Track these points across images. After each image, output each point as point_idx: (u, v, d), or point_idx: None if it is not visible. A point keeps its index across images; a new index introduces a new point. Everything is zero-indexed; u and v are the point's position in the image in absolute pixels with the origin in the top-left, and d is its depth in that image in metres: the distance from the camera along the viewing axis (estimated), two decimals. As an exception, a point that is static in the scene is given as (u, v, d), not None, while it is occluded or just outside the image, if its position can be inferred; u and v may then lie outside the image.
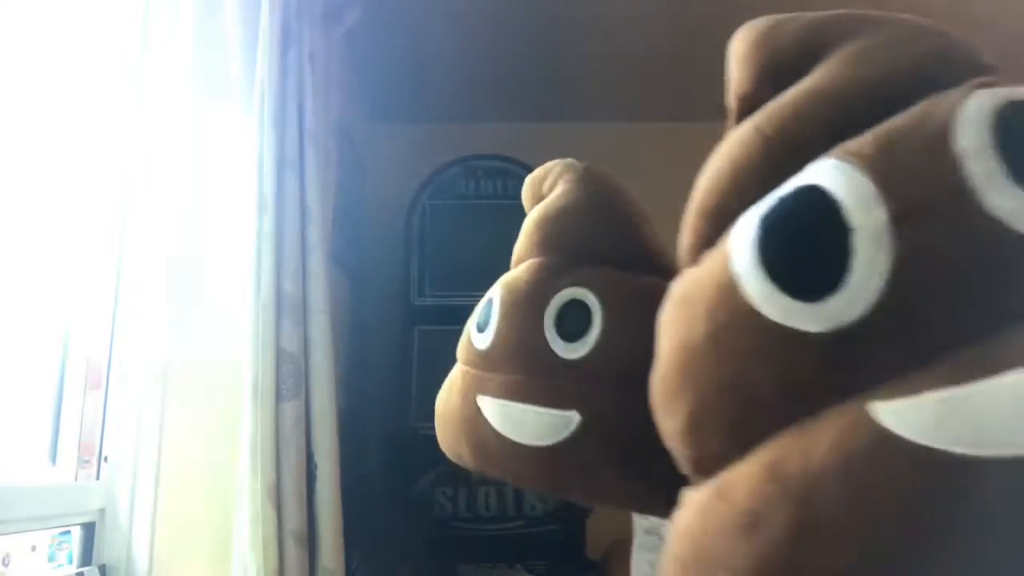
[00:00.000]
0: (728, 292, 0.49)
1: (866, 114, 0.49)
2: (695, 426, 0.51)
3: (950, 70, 0.50)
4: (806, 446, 0.43)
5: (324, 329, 1.27)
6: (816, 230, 0.46)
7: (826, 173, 0.47)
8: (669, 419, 0.54)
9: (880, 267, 0.43)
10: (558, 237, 0.84)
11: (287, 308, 1.21)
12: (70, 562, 1.15)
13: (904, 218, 0.43)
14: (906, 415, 0.40)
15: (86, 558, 1.16)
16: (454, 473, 1.86)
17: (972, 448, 0.38)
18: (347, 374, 1.96)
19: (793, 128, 0.52)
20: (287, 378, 1.19)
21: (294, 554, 1.14)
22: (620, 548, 2.03)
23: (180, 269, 1.26)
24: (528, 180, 0.95)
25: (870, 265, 0.43)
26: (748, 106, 0.57)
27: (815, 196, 0.46)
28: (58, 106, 1.21)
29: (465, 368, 0.87)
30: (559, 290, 0.79)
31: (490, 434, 0.80)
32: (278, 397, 1.18)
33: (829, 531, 0.41)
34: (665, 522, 0.98)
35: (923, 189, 0.43)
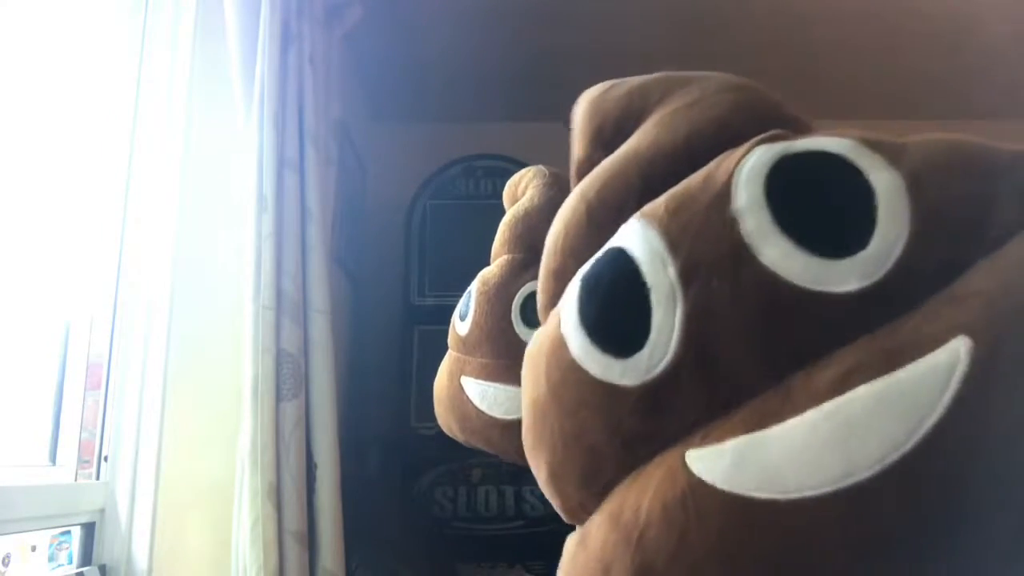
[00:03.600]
0: (560, 350, 0.52)
1: (672, 175, 0.51)
2: (554, 477, 0.54)
3: (752, 124, 0.52)
4: (637, 494, 0.46)
5: (324, 329, 1.27)
6: (623, 290, 0.48)
7: (629, 235, 0.50)
8: (536, 471, 0.57)
9: (672, 322, 0.45)
10: (523, 236, 0.94)
11: (287, 308, 1.21)
12: (70, 562, 1.15)
13: (690, 275, 0.45)
14: (710, 462, 0.43)
15: (86, 558, 1.16)
16: (454, 473, 1.86)
17: (770, 492, 0.40)
18: (347, 374, 1.96)
19: (609, 191, 0.55)
20: (287, 378, 1.19)
21: (294, 554, 1.14)
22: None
23: (180, 269, 1.26)
24: (507, 185, 1.06)
25: (664, 321, 0.46)
26: (582, 171, 0.61)
27: (622, 257, 0.49)
28: (58, 106, 1.21)
29: (452, 352, 0.98)
30: (524, 283, 0.90)
31: (471, 410, 0.91)
32: (278, 397, 1.18)
33: (664, 574, 0.43)
34: None
35: (706, 247, 0.46)
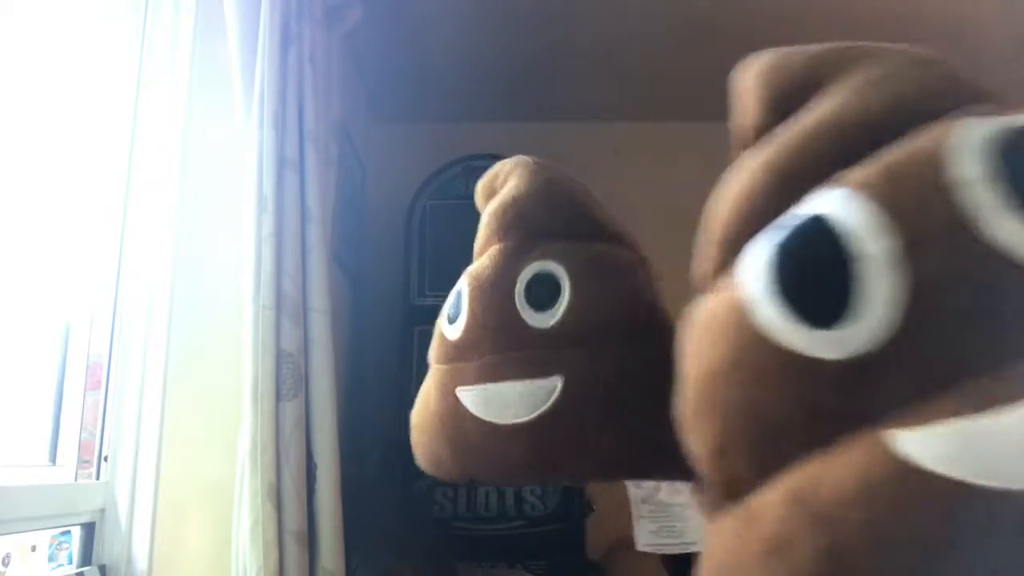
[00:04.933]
0: (744, 318, 0.49)
1: (870, 144, 0.49)
2: (721, 450, 0.51)
3: (951, 98, 0.50)
4: (829, 473, 0.43)
5: (324, 329, 1.27)
6: (826, 259, 0.46)
7: (834, 202, 0.47)
8: (697, 443, 0.54)
9: (893, 296, 0.43)
10: (514, 222, 0.88)
11: (287, 308, 1.21)
12: (70, 562, 1.15)
13: (915, 248, 0.43)
14: (926, 444, 0.41)
15: (86, 558, 1.16)
16: (454, 473, 1.86)
17: (989, 479, 0.38)
18: (347, 374, 1.96)
19: (799, 158, 0.53)
20: (287, 378, 1.19)
21: (294, 554, 1.14)
22: (620, 548, 2.04)
23: (180, 269, 1.26)
24: (481, 182, 1.01)
25: (883, 294, 0.43)
26: (756, 135, 0.59)
27: (824, 224, 0.47)
28: (58, 105, 1.21)
29: (439, 366, 0.88)
30: (524, 266, 0.83)
31: (471, 424, 0.81)
32: (278, 397, 1.18)
33: (854, 558, 0.42)
34: (661, 486, 1.01)
35: (931, 219, 0.44)
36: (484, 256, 0.89)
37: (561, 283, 0.80)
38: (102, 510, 1.19)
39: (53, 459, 1.17)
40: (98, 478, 1.20)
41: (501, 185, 0.96)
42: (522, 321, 0.80)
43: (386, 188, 2.36)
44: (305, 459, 1.21)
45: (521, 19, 2.05)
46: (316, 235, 1.29)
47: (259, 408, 1.14)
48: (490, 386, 0.80)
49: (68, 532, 1.15)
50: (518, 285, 0.82)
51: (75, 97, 1.25)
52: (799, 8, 1.99)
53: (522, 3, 1.99)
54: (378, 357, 2.18)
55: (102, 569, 1.16)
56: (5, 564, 1.02)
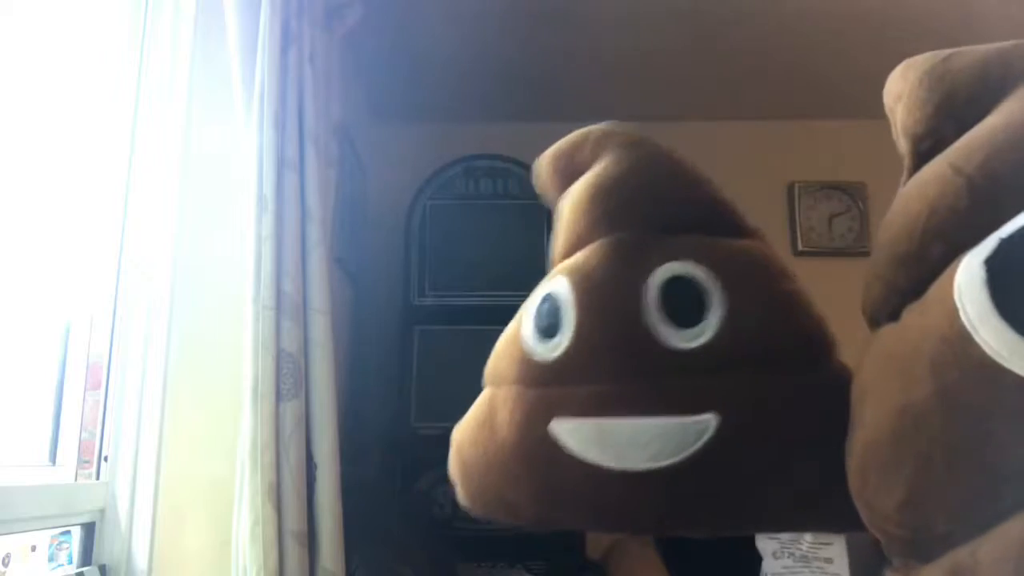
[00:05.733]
0: (958, 346, 0.43)
1: None
2: (917, 501, 0.44)
3: None
4: None
5: (324, 329, 1.27)
6: None
7: None
8: (882, 495, 0.47)
9: None
10: (627, 209, 0.69)
11: (287, 308, 1.21)
12: (70, 562, 1.15)
13: None
14: None
15: (86, 558, 1.16)
16: (454, 473, 1.85)
17: None
18: (347, 374, 1.96)
19: (997, 166, 0.48)
20: (287, 378, 1.19)
21: (294, 554, 1.14)
22: (620, 548, 2.04)
23: (180, 269, 1.26)
24: (551, 157, 0.79)
25: None
26: (927, 146, 0.54)
27: None
28: (58, 105, 1.21)
29: (519, 389, 0.69)
30: (653, 268, 0.64)
31: (571, 468, 0.63)
32: (278, 397, 1.18)
33: None
34: (799, 538, 0.84)
35: None
36: (587, 251, 0.69)
37: (708, 291, 0.63)
38: (102, 510, 1.19)
39: (53, 459, 1.17)
40: (98, 478, 1.20)
41: (588, 160, 0.76)
42: (655, 339, 0.62)
43: (386, 188, 2.36)
44: (305, 459, 1.21)
45: (521, 19, 2.05)
46: (316, 235, 1.29)
47: (259, 408, 1.14)
48: (609, 421, 0.62)
49: (68, 532, 1.15)
50: (648, 292, 0.63)
51: (75, 97, 1.25)
52: (799, 8, 1.99)
53: (522, 3, 1.99)
54: (378, 357, 2.18)
55: (102, 569, 1.16)
56: (5, 564, 1.02)
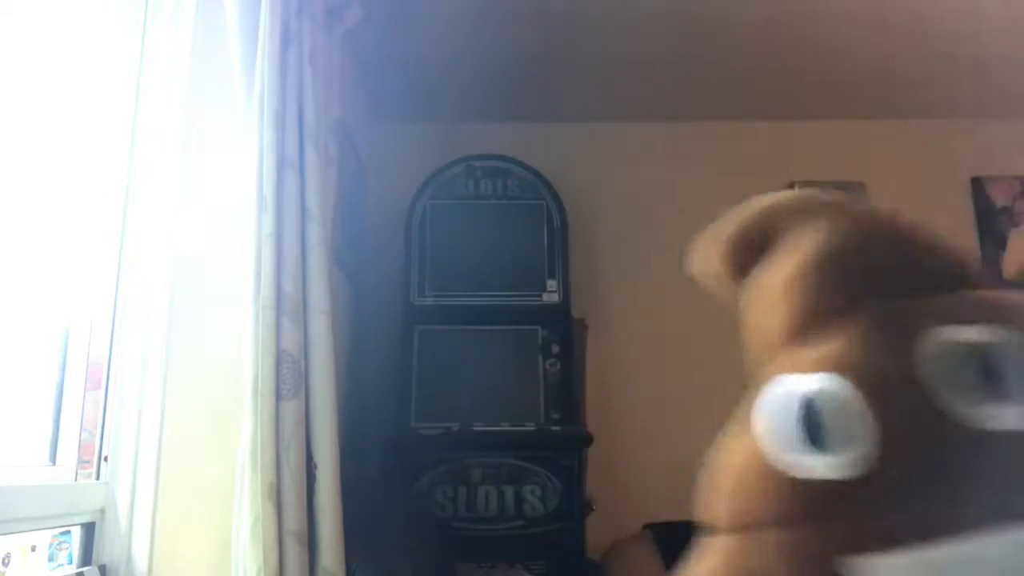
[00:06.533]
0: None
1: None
2: None
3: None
4: None
5: (324, 329, 1.27)
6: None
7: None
8: None
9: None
10: (877, 275, 0.57)
11: (287, 308, 1.21)
12: (70, 562, 1.15)
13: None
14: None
15: (86, 558, 1.16)
16: (454, 473, 1.86)
17: None
18: (347, 374, 1.96)
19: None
20: (287, 378, 1.19)
21: (294, 554, 1.14)
22: (620, 548, 2.04)
23: (180, 269, 1.26)
24: (732, 237, 0.66)
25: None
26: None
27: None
28: (58, 106, 1.21)
29: (784, 533, 0.52)
30: (920, 332, 0.52)
31: None
32: (278, 397, 1.18)
33: None
34: None
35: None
36: (849, 338, 0.55)
37: (1005, 355, 0.50)
38: (102, 510, 1.19)
39: (53, 459, 1.17)
40: (98, 478, 1.20)
41: (780, 233, 0.63)
42: (953, 423, 0.49)
43: (387, 188, 2.36)
44: (305, 459, 1.21)
45: (522, 19, 2.05)
46: (316, 235, 1.29)
47: (259, 408, 1.14)
48: (944, 551, 0.46)
49: (68, 532, 1.15)
50: (936, 364, 0.50)
51: (75, 99, 1.25)
52: (799, 8, 1.99)
53: (522, 4, 1.99)
54: (378, 357, 2.18)
55: (102, 569, 1.16)
56: (5, 564, 1.02)
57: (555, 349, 2.05)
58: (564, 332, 2.08)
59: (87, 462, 1.21)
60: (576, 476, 1.89)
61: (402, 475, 1.89)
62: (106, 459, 1.21)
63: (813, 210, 0.62)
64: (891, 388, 0.51)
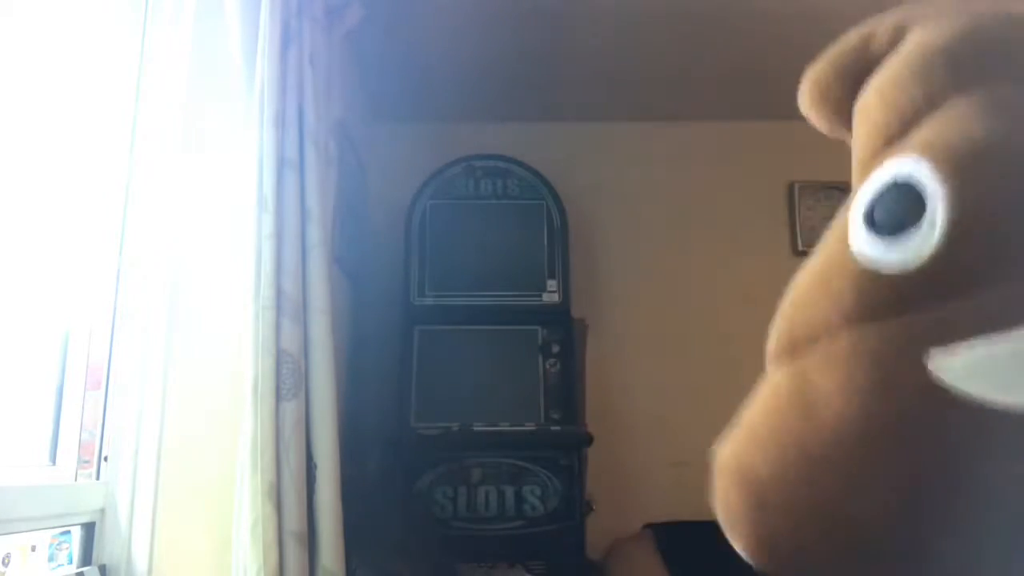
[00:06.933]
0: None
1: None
2: None
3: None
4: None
5: (324, 329, 1.27)
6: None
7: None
8: None
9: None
10: (973, 66, 0.52)
11: (287, 308, 1.21)
12: (70, 562, 1.15)
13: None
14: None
15: (86, 558, 1.16)
16: (454, 473, 1.86)
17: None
18: (347, 374, 1.96)
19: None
20: (287, 378, 1.19)
21: (294, 554, 1.14)
22: (620, 548, 2.04)
23: (180, 269, 1.26)
24: (834, 60, 0.67)
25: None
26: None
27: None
28: (58, 106, 1.21)
29: (854, 334, 0.47)
30: None
31: (973, 430, 0.40)
32: (278, 397, 1.18)
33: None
34: None
35: None
36: (941, 120, 0.50)
37: None
38: (102, 510, 1.19)
39: (53, 459, 1.17)
40: (98, 478, 1.20)
41: (886, 48, 0.61)
42: None
43: (387, 188, 2.36)
44: (305, 459, 1.21)
45: (522, 19, 2.05)
46: (316, 235, 1.29)
47: (259, 408, 1.14)
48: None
49: (68, 532, 1.15)
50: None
51: (75, 99, 1.25)
52: (799, 8, 1.99)
53: (522, 3, 1.99)
54: (378, 357, 2.18)
55: (102, 569, 1.16)
56: (5, 564, 1.02)
57: (555, 349, 2.05)
58: (564, 332, 2.08)
59: (87, 462, 1.21)
60: (576, 476, 1.89)
61: (402, 475, 1.89)
62: (106, 459, 1.21)
63: (912, 21, 0.58)
64: (989, 169, 0.45)
